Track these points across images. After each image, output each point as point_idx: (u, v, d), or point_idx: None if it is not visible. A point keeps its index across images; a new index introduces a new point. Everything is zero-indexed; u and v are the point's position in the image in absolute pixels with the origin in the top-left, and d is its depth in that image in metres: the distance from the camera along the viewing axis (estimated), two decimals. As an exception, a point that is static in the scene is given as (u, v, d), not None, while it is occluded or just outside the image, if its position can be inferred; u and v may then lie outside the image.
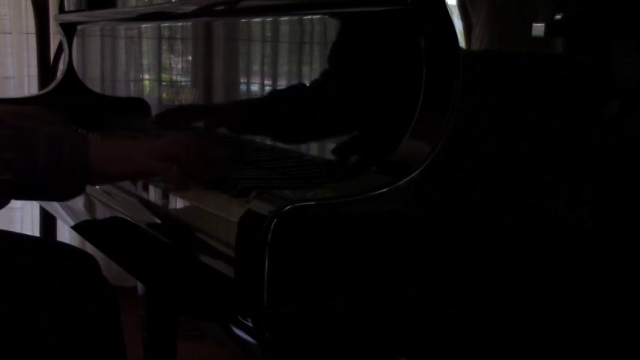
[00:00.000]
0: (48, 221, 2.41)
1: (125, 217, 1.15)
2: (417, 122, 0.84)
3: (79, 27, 1.89)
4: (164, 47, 1.51)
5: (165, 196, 1.08)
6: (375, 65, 0.99)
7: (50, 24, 2.34)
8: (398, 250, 0.79)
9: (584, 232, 0.89)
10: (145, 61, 1.59)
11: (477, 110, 0.82)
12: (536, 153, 0.85)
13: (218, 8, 1.30)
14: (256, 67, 1.22)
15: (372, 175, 0.83)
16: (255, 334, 0.77)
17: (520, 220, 0.85)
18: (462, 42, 0.82)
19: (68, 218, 1.48)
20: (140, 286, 1.74)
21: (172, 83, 1.47)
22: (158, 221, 1.06)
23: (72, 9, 1.92)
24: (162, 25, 1.50)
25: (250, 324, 0.77)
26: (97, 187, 1.23)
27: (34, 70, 2.56)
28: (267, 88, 1.20)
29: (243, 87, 1.26)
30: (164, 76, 1.51)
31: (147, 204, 1.11)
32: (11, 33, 2.69)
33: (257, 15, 1.21)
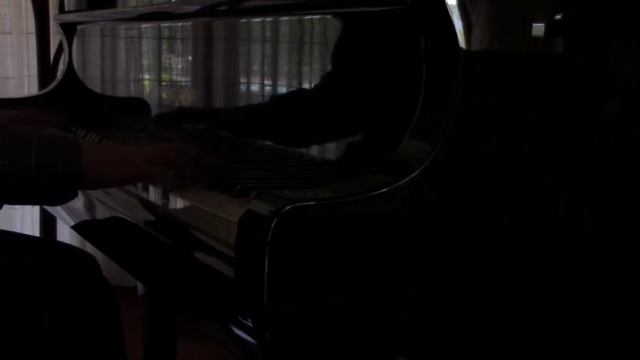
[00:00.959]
0: (48, 221, 2.41)
1: (125, 217, 1.15)
2: (417, 122, 0.84)
3: (79, 27, 1.89)
4: (164, 47, 1.51)
5: (165, 196, 1.08)
6: (375, 65, 0.99)
7: (50, 24, 2.34)
8: (398, 250, 0.79)
9: (584, 232, 0.89)
10: (145, 61, 1.59)
11: (477, 110, 0.82)
12: (536, 153, 0.85)
13: (218, 8, 1.30)
14: (256, 67, 1.22)
15: (372, 175, 0.83)
16: (255, 334, 0.77)
17: (520, 220, 0.85)
18: (462, 42, 0.82)
19: (68, 218, 1.48)
20: (140, 286, 1.74)
21: (172, 83, 1.47)
22: (158, 221, 1.06)
23: (72, 9, 1.92)
24: (162, 25, 1.50)
25: (250, 324, 0.77)
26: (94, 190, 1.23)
27: (34, 70, 2.56)
28: (267, 88, 1.20)
29: (243, 87, 1.26)
30: (164, 76, 1.51)
31: (147, 204, 1.11)
32: (11, 33, 2.69)
33: (257, 15, 1.21)
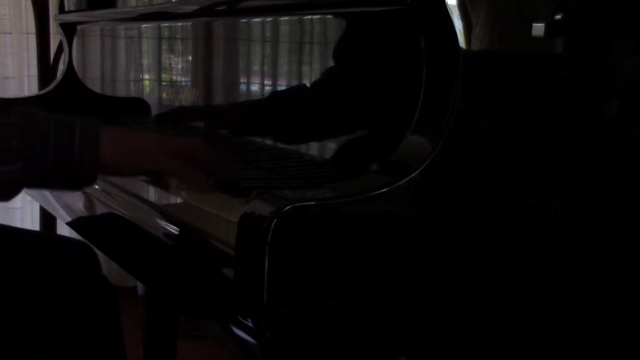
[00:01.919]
0: (48, 221, 2.42)
1: (124, 216, 1.15)
2: (417, 122, 0.84)
3: (79, 27, 1.89)
4: (164, 47, 1.51)
5: (165, 196, 1.08)
6: (375, 65, 0.99)
7: (50, 24, 2.34)
8: (398, 250, 0.79)
9: (584, 232, 0.89)
10: (145, 61, 1.59)
11: (477, 110, 0.82)
12: (536, 153, 0.85)
13: (218, 8, 1.30)
14: (256, 67, 1.22)
15: (372, 175, 0.83)
16: (255, 334, 0.77)
17: (520, 220, 0.85)
18: (462, 42, 0.82)
19: (68, 217, 1.48)
20: (140, 286, 1.74)
21: (172, 83, 1.47)
22: (157, 220, 1.06)
23: (72, 9, 1.92)
24: (162, 25, 1.50)
25: (250, 324, 0.77)
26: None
27: (34, 70, 2.56)
28: (267, 88, 1.20)
29: (243, 87, 1.26)
30: (164, 76, 1.51)
31: (146, 203, 1.11)
32: (11, 33, 2.69)
33: (257, 15, 1.21)
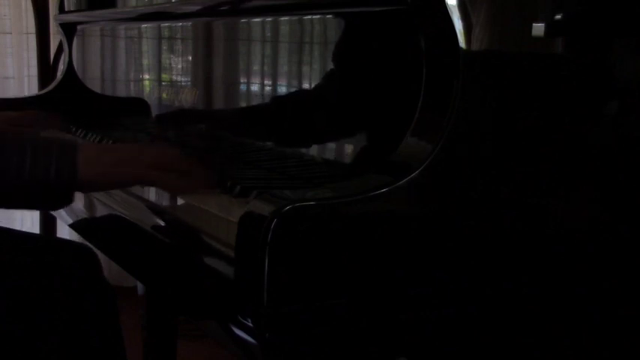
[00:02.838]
0: (48, 221, 2.42)
1: (125, 216, 1.15)
2: (417, 122, 0.84)
3: (79, 27, 1.89)
4: (164, 47, 1.51)
5: (165, 196, 1.08)
6: (375, 65, 0.99)
7: (50, 24, 2.34)
8: (398, 250, 0.79)
9: (584, 232, 0.89)
10: (145, 61, 1.59)
11: (477, 110, 0.82)
12: (536, 153, 0.85)
13: (218, 8, 1.30)
14: (256, 67, 1.22)
15: (372, 175, 0.83)
16: (255, 334, 0.77)
17: (520, 220, 0.85)
18: (462, 42, 0.82)
19: (68, 217, 1.48)
20: (140, 286, 1.74)
21: (172, 83, 1.47)
22: (158, 221, 1.06)
23: (72, 9, 1.92)
24: (162, 25, 1.50)
25: (250, 324, 0.77)
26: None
27: (34, 70, 2.56)
28: (267, 88, 1.20)
29: (243, 87, 1.26)
30: (164, 76, 1.51)
31: (147, 204, 1.11)
32: (11, 33, 2.69)
33: (257, 15, 1.21)
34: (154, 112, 1.54)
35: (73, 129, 1.60)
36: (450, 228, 0.82)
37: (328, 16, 1.06)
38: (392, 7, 0.93)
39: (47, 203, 0.96)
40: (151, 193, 1.10)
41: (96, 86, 1.82)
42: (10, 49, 2.69)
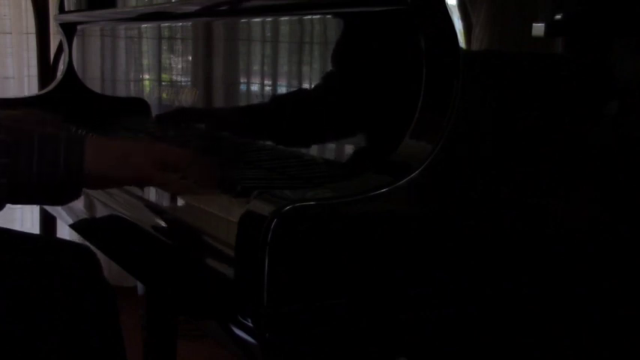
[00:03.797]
0: (48, 221, 2.41)
1: (125, 216, 1.15)
2: (417, 122, 0.84)
3: (79, 27, 1.89)
4: (164, 47, 1.51)
5: (165, 196, 1.08)
6: (375, 65, 0.99)
7: (50, 24, 2.34)
8: (398, 250, 0.79)
9: (584, 231, 0.89)
10: (145, 61, 1.59)
11: (477, 110, 0.82)
12: (536, 153, 0.85)
13: (218, 8, 1.30)
14: (256, 67, 1.22)
15: (372, 175, 0.83)
16: (255, 334, 0.77)
17: (520, 220, 0.85)
18: (462, 42, 0.82)
19: (68, 218, 1.48)
20: (140, 286, 1.74)
21: (172, 83, 1.47)
22: (158, 221, 1.06)
23: (72, 9, 1.92)
24: (162, 25, 1.50)
25: (250, 324, 0.77)
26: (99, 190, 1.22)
27: (34, 70, 2.56)
28: (267, 88, 1.20)
29: (243, 87, 1.26)
30: (164, 76, 1.51)
31: (147, 204, 1.11)
32: (11, 33, 2.69)
33: (257, 15, 1.21)
34: (154, 112, 1.54)
35: (73, 129, 1.60)
36: (450, 228, 0.82)
37: (328, 16, 1.06)
38: (392, 7, 0.93)
39: (54, 198, 0.96)
40: (151, 193, 1.10)
41: (96, 86, 1.82)
42: (10, 49, 2.69)
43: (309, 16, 1.09)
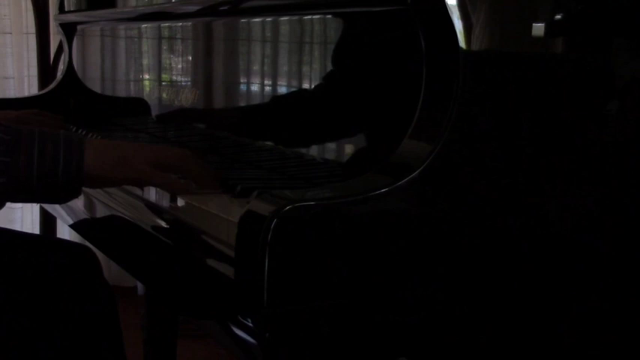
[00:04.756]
0: (48, 221, 2.41)
1: (125, 216, 1.15)
2: (417, 122, 0.84)
3: (79, 27, 1.89)
4: (164, 47, 1.51)
5: (165, 196, 1.08)
6: (374, 65, 0.99)
7: (50, 24, 2.34)
8: (398, 250, 0.79)
9: (584, 232, 0.89)
10: (145, 61, 1.59)
11: (477, 110, 0.82)
12: (535, 153, 0.85)
13: (218, 8, 1.30)
14: (256, 67, 1.22)
15: (372, 175, 0.83)
16: (255, 334, 0.77)
17: (521, 219, 0.85)
18: (462, 42, 0.82)
19: (68, 218, 1.48)
20: (140, 286, 1.74)
21: (172, 83, 1.47)
22: (158, 221, 1.06)
23: (72, 9, 1.92)
24: (162, 25, 1.50)
25: (250, 324, 0.77)
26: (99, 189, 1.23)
27: (34, 70, 2.56)
28: (268, 88, 1.20)
29: (243, 87, 1.26)
30: (164, 76, 1.51)
31: (147, 204, 1.11)
32: (11, 33, 2.69)
33: (257, 15, 1.21)
34: (154, 112, 1.54)
35: (73, 129, 1.60)
36: (451, 228, 0.81)
37: (328, 16, 1.06)
38: (392, 7, 0.93)
39: (54, 196, 0.97)
40: (151, 193, 1.10)
41: (96, 86, 1.82)
42: (10, 49, 2.69)
43: (309, 16, 1.09)
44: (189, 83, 1.42)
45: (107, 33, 1.74)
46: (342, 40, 1.05)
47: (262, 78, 1.21)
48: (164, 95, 1.49)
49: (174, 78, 1.47)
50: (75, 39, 1.91)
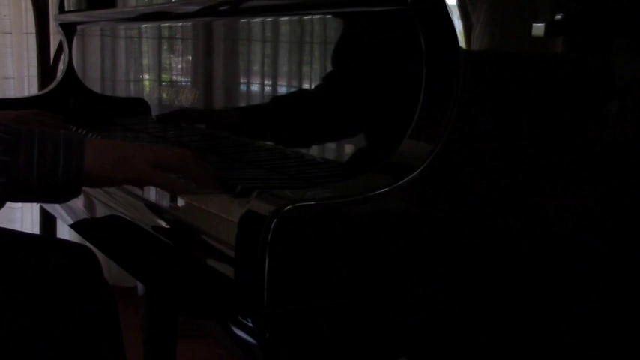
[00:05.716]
0: (48, 221, 2.41)
1: (125, 216, 1.15)
2: (417, 122, 0.84)
3: (79, 27, 1.89)
4: (164, 47, 1.51)
5: (165, 196, 1.08)
6: (375, 65, 0.99)
7: (50, 24, 2.34)
8: (398, 251, 0.79)
9: (584, 231, 0.89)
10: (145, 61, 1.59)
11: (477, 110, 0.82)
12: (535, 153, 0.85)
13: (218, 8, 1.30)
14: (256, 67, 1.22)
15: (372, 175, 0.83)
16: (255, 334, 0.77)
17: (521, 219, 0.85)
18: (462, 42, 0.82)
19: (68, 218, 1.48)
20: (140, 286, 1.74)
21: (172, 83, 1.47)
22: (158, 221, 1.06)
23: (72, 9, 1.92)
24: (162, 25, 1.50)
25: (250, 324, 0.77)
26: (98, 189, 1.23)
27: (34, 70, 2.56)
28: (267, 88, 1.20)
29: (243, 87, 1.26)
30: (164, 76, 1.51)
31: (147, 204, 1.11)
32: (11, 33, 2.69)
33: (257, 15, 1.21)
34: (154, 112, 1.54)
35: (73, 129, 1.60)
36: (451, 228, 0.81)
37: (328, 16, 1.06)
38: (392, 7, 0.93)
39: (54, 196, 0.97)
40: (151, 193, 1.10)
41: (96, 86, 1.82)
42: (10, 49, 2.69)
43: (309, 16, 1.09)
44: (189, 83, 1.42)
45: (107, 33, 1.74)
46: (342, 40, 1.05)
47: (262, 78, 1.21)
48: (164, 95, 1.49)
49: (174, 78, 1.47)
50: (75, 39, 1.91)
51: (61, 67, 2.04)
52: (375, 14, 0.98)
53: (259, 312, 0.75)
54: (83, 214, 1.36)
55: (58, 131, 0.97)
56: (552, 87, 0.85)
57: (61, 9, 1.95)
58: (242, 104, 1.27)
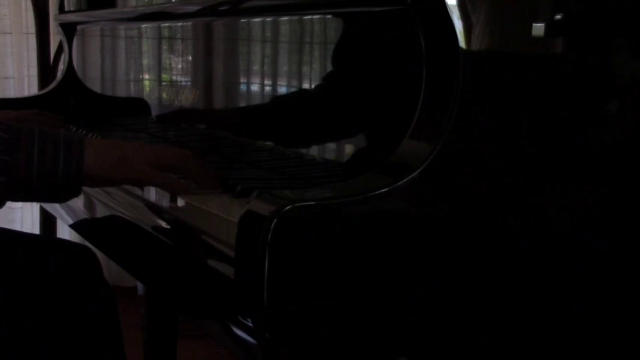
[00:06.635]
0: (48, 221, 2.41)
1: (125, 216, 1.15)
2: (417, 122, 0.84)
3: (79, 27, 1.89)
4: (164, 47, 1.51)
5: (165, 196, 1.08)
6: (375, 65, 0.99)
7: (50, 24, 2.34)
8: (398, 251, 0.79)
9: (584, 232, 0.89)
10: (145, 61, 1.59)
11: (477, 110, 0.82)
12: (535, 153, 0.85)
13: (218, 8, 1.30)
14: (256, 67, 1.22)
15: (372, 175, 0.83)
16: (255, 334, 0.77)
17: (521, 219, 0.85)
18: (462, 42, 0.82)
19: (68, 218, 1.48)
20: (140, 286, 1.74)
21: (172, 83, 1.47)
22: (158, 221, 1.06)
23: (72, 9, 1.92)
24: (162, 25, 1.50)
25: (250, 324, 0.77)
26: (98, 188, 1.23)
27: (34, 70, 2.56)
28: (268, 89, 1.20)
29: (243, 87, 1.26)
30: (164, 76, 1.51)
31: (147, 204, 1.11)
32: (11, 33, 2.69)
33: (257, 15, 1.21)
34: (154, 112, 1.54)
35: (73, 129, 1.60)
36: (451, 228, 0.82)
37: (328, 16, 1.06)
38: (392, 7, 0.93)
39: (54, 195, 0.97)
40: (151, 193, 1.10)
41: (96, 86, 1.82)
42: (10, 49, 2.69)
43: (309, 16, 1.09)
44: (189, 83, 1.42)
45: (107, 33, 1.74)
46: (342, 40, 1.05)
47: (262, 78, 1.21)
48: (164, 95, 1.49)
49: (174, 78, 1.47)
50: (75, 39, 1.91)
51: (61, 67, 2.04)
52: (375, 14, 0.98)
53: (259, 312, 0.75)
54: (83, 214, 1.36)
55: (58, 131, 0.97)
56: (552, 87, 0.85)
57: (61, 9, 1.95)
58: (242, 104, 1.27)
